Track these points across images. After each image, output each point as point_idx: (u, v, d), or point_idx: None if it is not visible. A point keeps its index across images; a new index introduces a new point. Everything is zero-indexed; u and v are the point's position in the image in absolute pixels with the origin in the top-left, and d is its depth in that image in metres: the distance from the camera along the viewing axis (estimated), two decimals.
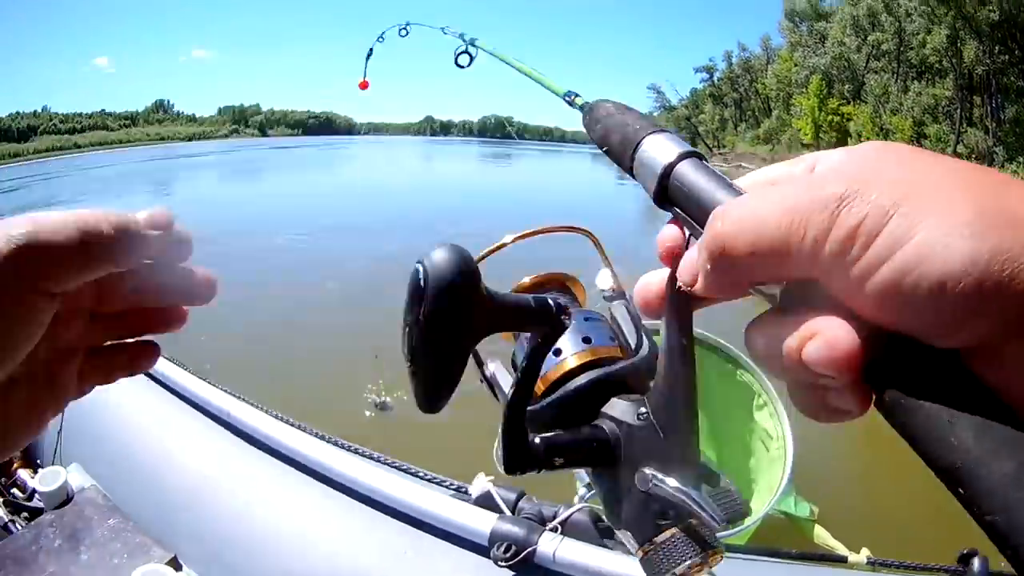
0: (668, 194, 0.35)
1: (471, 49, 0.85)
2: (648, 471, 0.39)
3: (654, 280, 0.36)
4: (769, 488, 1.61)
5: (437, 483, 1.13)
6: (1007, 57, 25.78)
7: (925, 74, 31.55)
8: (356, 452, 1.19)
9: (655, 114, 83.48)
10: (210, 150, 49.61)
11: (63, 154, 72.00)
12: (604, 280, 0.51)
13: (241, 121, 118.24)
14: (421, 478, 1.15)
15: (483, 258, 0.46)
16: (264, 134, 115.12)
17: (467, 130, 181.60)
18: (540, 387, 0.44)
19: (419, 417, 0.35)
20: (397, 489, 1.02)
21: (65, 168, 38.90)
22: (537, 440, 0.39)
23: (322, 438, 1.20)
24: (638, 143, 0.37)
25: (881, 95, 33.05)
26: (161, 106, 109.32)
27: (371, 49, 1.32)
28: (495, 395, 0.48)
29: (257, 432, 1.20)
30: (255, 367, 4.32)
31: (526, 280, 0.50)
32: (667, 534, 0.36)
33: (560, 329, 0.37)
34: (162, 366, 1.39)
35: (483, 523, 0.94)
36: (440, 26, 0.98)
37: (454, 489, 1.11)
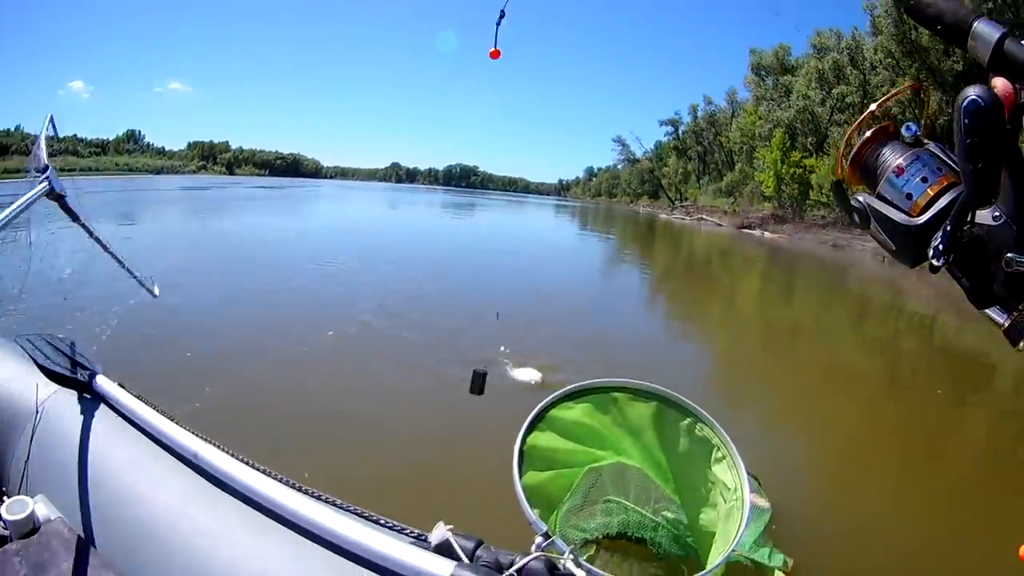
0: (1001, 57, 0.56)
1: None
2: (1011, 255, 0.58)
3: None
4: (726, 538, 1.58)
5: (398, 530, 1.13)
6: None
7: None
8: (320, 498, 1.20)
9: (618, 166, 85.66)
10: (177, 186, 46.87)
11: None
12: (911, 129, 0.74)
13: (210, 158, 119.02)
14: (383, 525, 1.15)
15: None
16: (231, 172, 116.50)
17: (433, 178, 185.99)
18: (914, 209, 0.66)
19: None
20: (360, 535, 1.01)
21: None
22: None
23: (287, 483, 1.19)
24: (971, 22, 0.58)
25: None
26: (132, 136, 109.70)
27: (502, 13, 1.59)
28: (857, 221, 0.73)
29: (222, 474, 1.20)
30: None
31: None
32: None
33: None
34: (133, 404, 1.40)
35: (442, 569, 0.93)
36: None
37: (414, 536, 1.10)
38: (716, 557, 1.54)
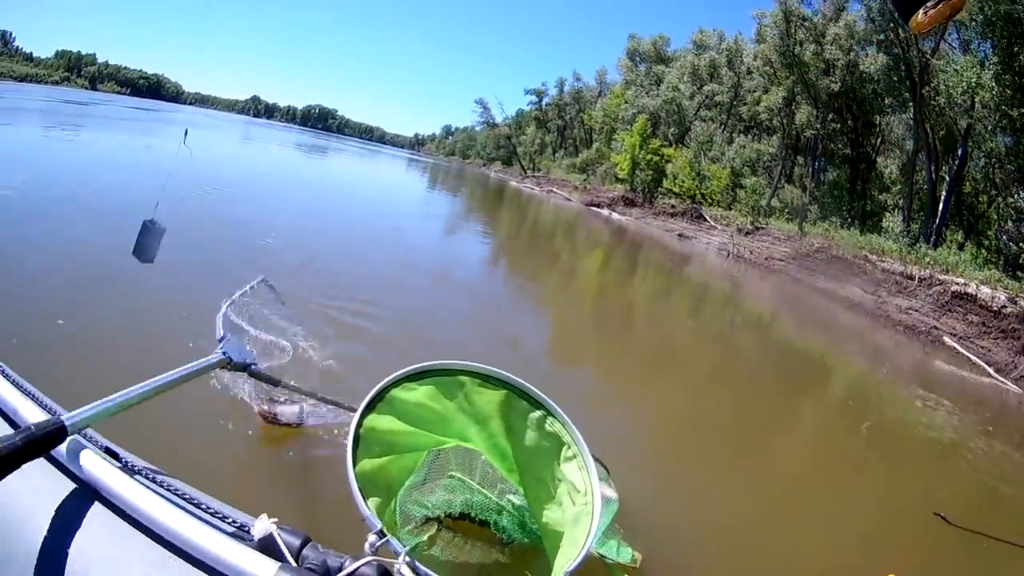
0: None
1: None
2: None
3: None
4: (574, 543, 1.57)
5: (220, 517, 1.05)
6: (839, 125, 25.48)
7: (753, 129, 31.13)
8: (147, 477, 1.10)
9: (476, 128, 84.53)
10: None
11: None
12: None
13: (75, 69, 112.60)
14: (204, 510, 1.07)
15: None
16: (94, 88, 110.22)
17: (291, 116, 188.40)
18: None
19: None
20: (180, 524, 0.94)
21: None
22: None
23: (106, 455, 1.11)
24: None
25: (705, 142, 32.07)
26: (2, 37, 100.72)
27: None
28: None
29: (19, 418, 1.12)
30: None
31: None
32: None
33: None
34: None
35: (264, 570, 0.88)
36: None
37: (236, 527, 1.02)
38: (564, 563, 1.51)
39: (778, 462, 4.28)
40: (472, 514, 1.62)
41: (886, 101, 22.73)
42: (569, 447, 1.76)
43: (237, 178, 13.94)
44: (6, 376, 1.18)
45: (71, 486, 1.00)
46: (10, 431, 0.98)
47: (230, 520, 1.02)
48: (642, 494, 2.83)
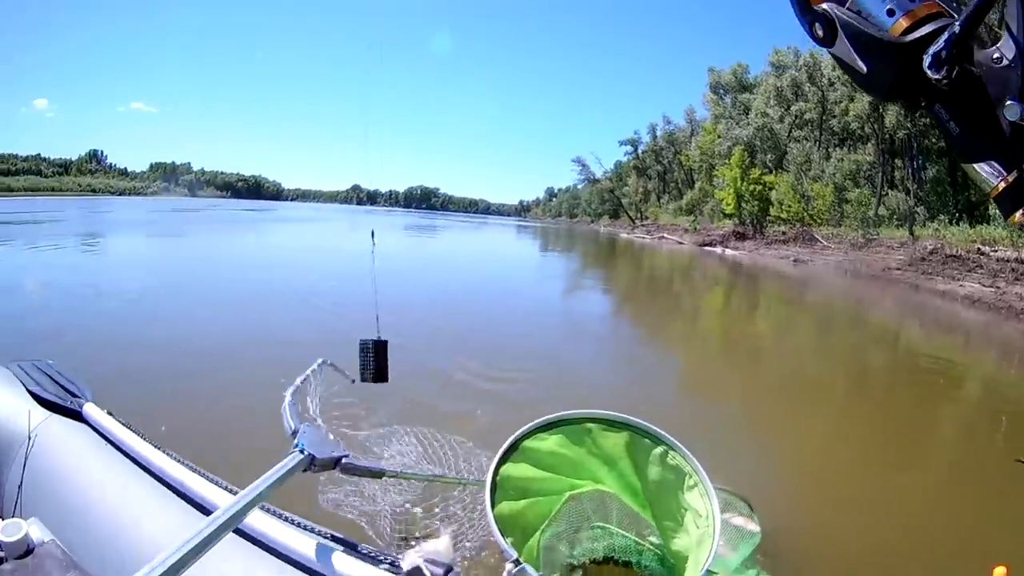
0: None
1: None
2: (1012, 102, 0.51)
3: None
4: (696, 564, 1.63)
5: (372, 556, 1.18)
6: (928, 120, 24.92)
7: (847, 140, 31.06)
8: (302, 526, 1.26)
9: (578, 187, 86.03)
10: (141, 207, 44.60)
11: None
12: None
13: (172, 179, 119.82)
14: (358, 551, 1.20)
15: None
16: (193, 194, 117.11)
17: (393, 200, 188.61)
18: (895, 29, 0.59)
19: None
20: (340, 563, 1.08)
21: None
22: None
23: (271, 511, 1.27)
24: None
25: (803, 163, 32.29)
26: (95, 156, 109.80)
27: None
28: (819, 36, 0.64)
29: (206, 501, 1.26)
30: None
31: None
32: None
33: None
34: (120, 432, 1.49)
35: None
36: None
37: (388, 563, 1.15)
38: None
39: (922, 479, 4.10)
40: (615, 556, 1.69)
41: None
42: (690, 476, 1.79)
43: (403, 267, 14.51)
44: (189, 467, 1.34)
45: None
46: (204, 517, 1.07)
47: (381, 557, 1.18)
48: (785, 524, 2.87)
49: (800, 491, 3.70)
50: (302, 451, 1.35)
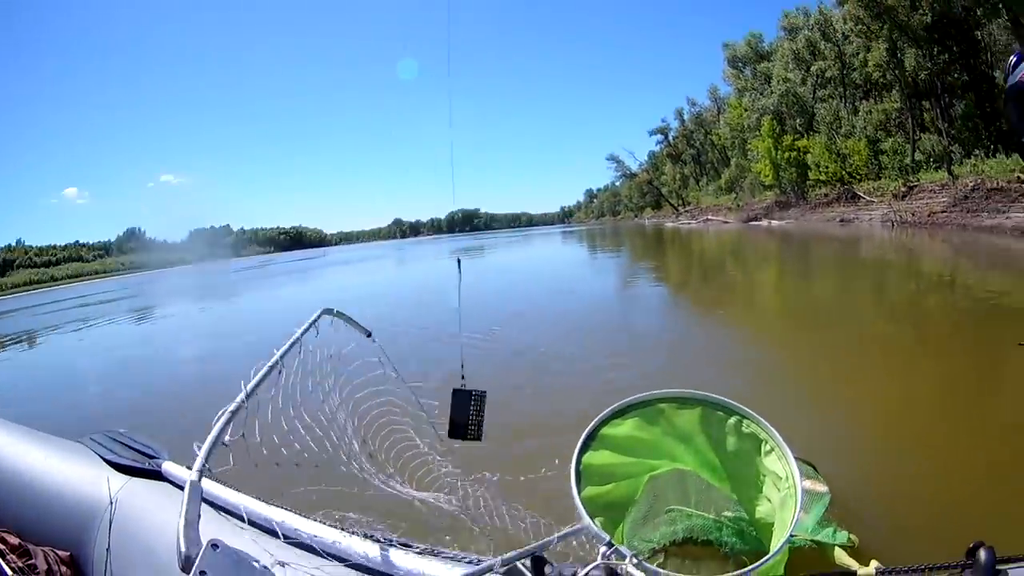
0: None
1: None
2: None
3: None
4: (783, 525, 1.64)
5: (464, 560, 1.25)
6: (947, 56, 24.91)
7: (872, 91, 30.71)
8: (399, 544, 1.33)
9: (616, 184, 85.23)
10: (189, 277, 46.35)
11: (41, 287, 73.54)
12: None
13: (216, 243, 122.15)
14: (450, 558, 1.28)
15: None
16: (238, 254, 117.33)
17: (436, 227, 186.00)
18: None
19: None
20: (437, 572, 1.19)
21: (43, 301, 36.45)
22: None
23: (358, 533, 1.35)
24: None
25: (833, 122, 32.01)
26: (133, 234, 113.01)
27: None
28: None
29: (307, 540, 1.31)
30: None
31: None
32: None
33: None
34: (205, 485, 1.31)
35: None
36: None
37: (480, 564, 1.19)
38: (776, 543, 1.58)
39: (995, 425, 3.90)
40: (695, 536, 1.69)
41: (979, 12, 22.51)
42: (766, 442, 1.79)
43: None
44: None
45: None
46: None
47: (472, 560, 1.25)
48: (854, 483, 2.91)
49: (867, 448, 3.70)
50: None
